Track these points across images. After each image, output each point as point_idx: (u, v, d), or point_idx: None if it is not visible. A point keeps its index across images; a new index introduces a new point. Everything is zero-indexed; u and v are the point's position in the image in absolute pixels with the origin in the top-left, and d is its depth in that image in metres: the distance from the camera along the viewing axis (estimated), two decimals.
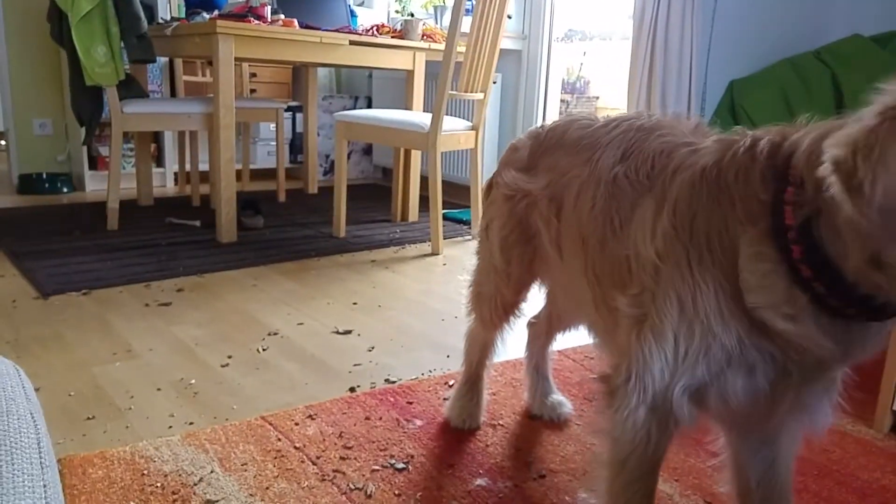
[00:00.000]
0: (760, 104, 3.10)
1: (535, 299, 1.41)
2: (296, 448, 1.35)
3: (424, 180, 3.06)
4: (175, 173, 4.15)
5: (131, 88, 3.06)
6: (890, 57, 3.10)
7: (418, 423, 1.47)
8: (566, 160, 1.06)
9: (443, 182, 2.94)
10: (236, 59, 2.90)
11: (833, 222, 0.65)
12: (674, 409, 0.81)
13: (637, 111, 1.05)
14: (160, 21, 3.39)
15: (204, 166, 3.84)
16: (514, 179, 1.17)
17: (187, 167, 3.89)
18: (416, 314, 2.18)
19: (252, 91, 4.50)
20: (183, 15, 3.20)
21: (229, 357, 1.78)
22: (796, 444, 0.93)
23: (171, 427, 1.42)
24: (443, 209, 2.96)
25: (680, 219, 0.79)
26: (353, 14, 3.77)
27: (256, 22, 2.86)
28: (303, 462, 1.30)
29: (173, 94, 4.07)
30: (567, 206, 1.03)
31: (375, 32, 3.33)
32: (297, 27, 2.98)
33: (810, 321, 0.69)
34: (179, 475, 1.23)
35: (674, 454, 1.37)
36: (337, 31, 3.15)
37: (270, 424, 1.43)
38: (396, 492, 1.23)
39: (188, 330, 1.95)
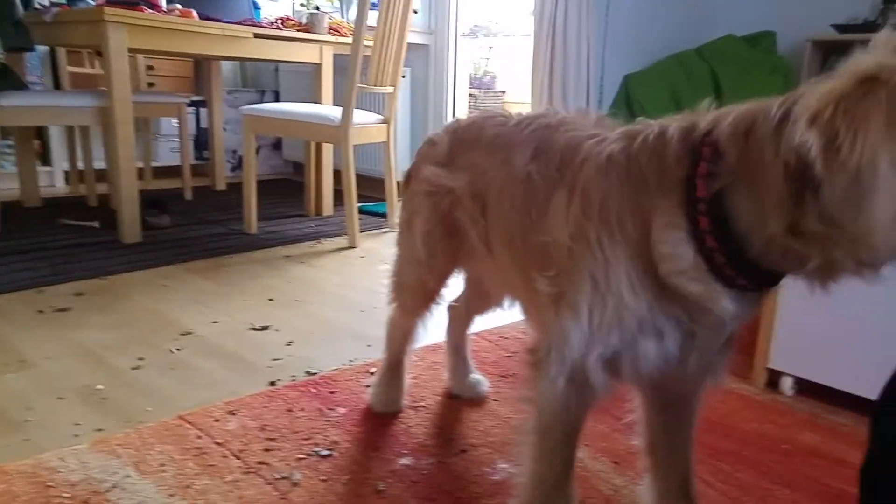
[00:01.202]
0: (652, 97, 3.30)
1: (455, 284, 1.45)
2: (217, 444, 1.33)
3: (338, 174, 3.05)
4: (65, 172, 3.91)
5: (7, 79, 2.84)
6: (758, 54, 3.38)
7: (341, 410, 1.48)
8: (485, 159, 1.11)
9: (357, 176, 2.93)
10: (130, 50, 2.76)
11: (753, 194, 0.71)
12: (590, 377, 0.86)
13: (545, 109, 1.11)
14: (37, 6, 3.15)
15: (100, 164, 3.62)
16: (435, 175, 1.20)
17: (80, 165, 3.67)
18: (334, 307, 2.18)
19: (150, 85, 4.30)
20: (63, 0, 3.00)
21: (140, 359, 1.72)
22: (699, 403, 1.01)
23: (77, 436, 1.35)
24: (358, 202, 2.96)
25: (590, 203, 0.85)
26: (256, 7, 3.68)
27: (150, 11, 2.74)
28: (225, 457, 1.28)
29: (57, 86, 3.81)
30: (491, 205, 1.09)
31: (280, 25, 3.27)
32: (197, 18, 2.88)
33: (713, 285, 0.76)
34: (89, 483, 1.19)
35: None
36: (239, 23, 3.07)
37: (189, 423, 1.40)
38: (323, 477, 1.23)
39: (92, 335, 1.86)
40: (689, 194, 0.75)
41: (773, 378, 1.65)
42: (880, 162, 0.59)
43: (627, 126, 0.90)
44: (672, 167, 0.78)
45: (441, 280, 1.33)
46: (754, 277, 0.76)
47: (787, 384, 1.63)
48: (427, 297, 1.35)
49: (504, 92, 5.51)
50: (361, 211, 3.20)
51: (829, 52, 3.33)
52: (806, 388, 1.61)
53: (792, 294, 1.56)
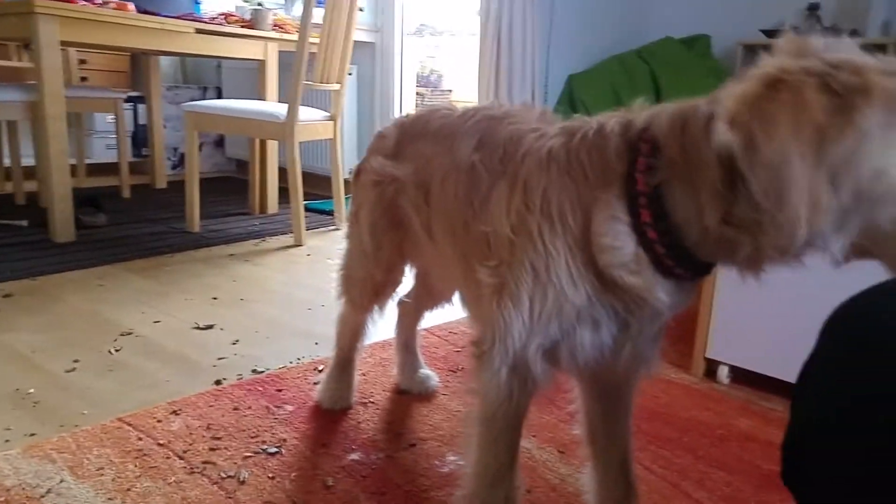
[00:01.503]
0: (595, 96, 3.38)
1: (405, 280, 1.45)
2: (160, 445, 1.29)
3: (283, 172, 3.00)
4: None
5: None
6: (694, 57, 3.51)
7: (289, 408, 1.46)
8: (430, 148, 1.12)
9: (303, 173, 2.90)
10: (63, 43, 2.65)
11: (689, 187, 0.74)
12: (531, 367, 0.88)
13: (490, 102, 1.12)
14: None
15: (28, 160, 3.46)
16: (382, 166, 1.21)
17: (7, 162, 3.50)
18: (281, 305, 2.14)
19: (83, 79, 4.14)
20: None
21: (76, 361, 1.65)
22: (634, 391, 1.04)
23: (7, 441, 1.29)
24: (304, 200, 2.92)
25: (531, 196, 0.86)
26: (196, 1, 3.59)
27: (83, 2, 2.64)
28: (168, 458, 1.25)
29: None
30: (434, 193, 1.09)
31: (223, 21, 3.20)
32: (134, 11, 2.79)
33: (651, 277, 0.79)
34: (23, 489, 1.14)
35: (530, 413, 1.48)
36: (179, 18, 2.99)
37: (129, 425, 1.35)
38: (270, 475, 1.21)
39: (21, 336, 1.78)
40: (629, 188, 0.78)
41: (711, 367, 1.71)
42: (792, 157, 0.64)
43: (566, 122, 0.93)
44: (612, 162, 0.80)
45: (388, 273, 1.32)
46: (690, 267, 0.79)
47: (723, 373, 1.69)
48: (375, 290, 1.34)
49: (451, 91, 5.54)
50: (307, 209, 3.16)
51: (759, 56, 3.49)
52: (741, 376, 1.68)
53: (727, 287, 1.63)
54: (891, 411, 0.52)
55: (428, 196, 1.11)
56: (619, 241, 0.78)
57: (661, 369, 1.20)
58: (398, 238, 1.25)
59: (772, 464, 1.33)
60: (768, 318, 1.57)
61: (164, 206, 3.45)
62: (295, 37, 2.94)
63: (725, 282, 1.63)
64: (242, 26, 3.21)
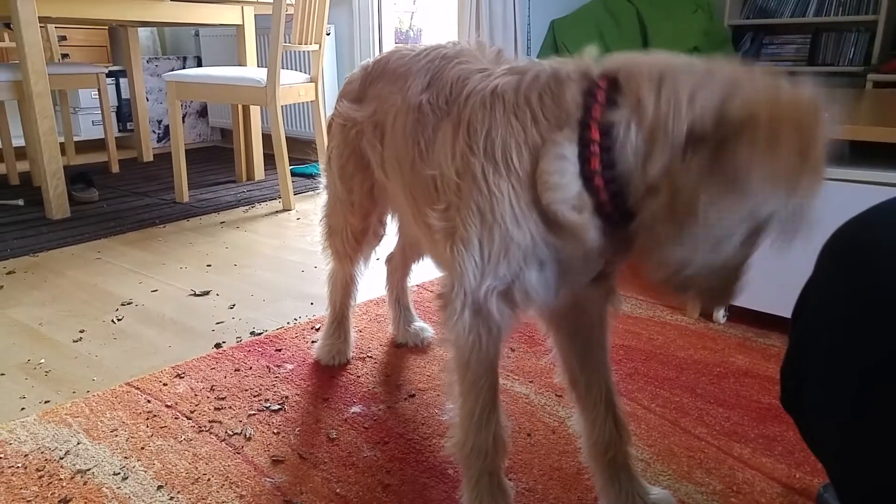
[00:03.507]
0: (579, 41, 3.36)
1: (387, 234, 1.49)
2: (167, 407, 1.35)
3: (267, 138, 3.01)
4: None
5: None
6: None
7: (289, 367, 1.52)
8: (387, 89, 1.12)
9: (287, 138, 2.90)
10: (41, 19, 2.63)
11: (644, 143, 0.75)
12: (490, 309, 0.89)
13: (448, 41, 1.11)
14: None
15: (18, 141, 3.47)
16: (347, 109, 1.23)
17: None
18: (274, 269, 2.19)
19: (64, 56, 4.09)
20: None
21: (81, 332, 1.71)
22: (605, 329, 1.04)
23: (23, 409, 1.35)
24: (289, 165, 2.94)
25: (473, 137, 0.87)
26: None
27: None
28: (177, 418, 1.31)
29: None
30: (387, 133, 1.10)
31: None
32: None
33: (590, 219, 0.81)
34: (42, 452, 1.20)
35: (527, 359, 1.54)
36: None
37: (137, 389, 1.41)
38: (275, 431, 1.28)
39: (28, 311, 1.83)
40: (582, 134, 0.79)
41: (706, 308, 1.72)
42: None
43: (514, 63, 0.92)
44: (567, 107, 0.81)
45: (364, 218, 1.34)
46: (625, 216, 0.80)
47: (719, 312, 1.71)
48: (356, 237, 1.37)
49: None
50: (294, 173, 3.18)
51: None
52: (737, 314, 1.71)
53: None
54: (888, 329, 0.53)
55: (383, 136, 1.12)
56: (566, 179, 0.79)
57: (626, 306, 1.20)
58: (368, 181, 1.27)
59: (771, 398, 1.36)
60: (763, 255, 1.58)
61: (152, 179, 3.47)
62: None
63: None
64: None
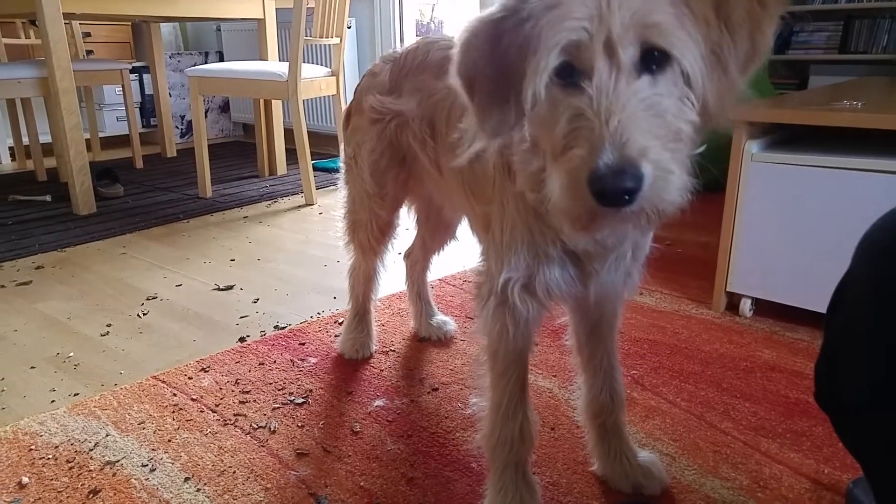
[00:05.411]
0: None
1: (404, 236, 1.48)
2: (193, 400, 1.37)
3: (289, 133, 3.02)
4: (10, 148, 3.79)
5: None
6: None
7: (312, 360, 1.53)
8: (432, 82, 1.11)
9: (308, 132, 2.91)
10: (65, 15, 2.67)
11: None
12: (513, 300, 0.89)
13: None
14: None
15: (45, 138, 3.53)
16: (381, 102, 1.21)
17: (25, 140, 3.56)
18: (297, 263, 2.20)
19: (89, 53, 4.15)
20: None
21: (108, 325, 1.73)
22: (618, 307, 1.05)
23: (53, 402, 1.38)
24: (311, 160, 2.95)
25: None
26: None
27: None
28: (202, 412, 1.33)
29: None
30: (439, 127, 1.09)
31: None
32: None
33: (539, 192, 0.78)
34: (72, 444, 1.22)
35: (551, 353, 1.53)
36: None
37: (163, 382, 1.43)
38: (299, 424, 1.28)
39: (57, 305, 1.86)
40: None
41: (733, 301, 1.70)
42: None
43: None
44: None
45: (393, 210, 1.34)
46: None
47: (745, 306, 1.68)
48: (381, 230, 1.36)
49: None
50: (315, 168, 3.19)
51: None
52: (764, 308, 1.68)
53: (748, 218, 1.60)
54: None
55: (434, 131, 1.11)
56: (521, 164, 0.79)
57: (637, 294, 1.18)
58: (403, 174, 1.26)
59: (799, 392, 1.34)
60: (791, 246, 1.54)
61: (176, 174, 3.51)
62: None
63: (746, 217, 1.61)
64: None
